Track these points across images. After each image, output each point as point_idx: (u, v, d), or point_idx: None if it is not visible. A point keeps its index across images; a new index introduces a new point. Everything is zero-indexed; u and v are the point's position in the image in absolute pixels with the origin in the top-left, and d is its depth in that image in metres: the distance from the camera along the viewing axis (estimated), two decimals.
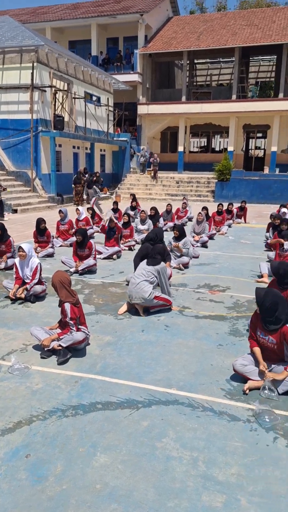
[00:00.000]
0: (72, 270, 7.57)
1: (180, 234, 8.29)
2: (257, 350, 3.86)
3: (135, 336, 4.92)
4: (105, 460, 2.84)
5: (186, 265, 8.26)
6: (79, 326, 4.39)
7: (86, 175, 20.72)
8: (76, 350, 4.40)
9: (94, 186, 18.39)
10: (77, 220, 11.18)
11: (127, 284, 6.02)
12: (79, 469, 2.76)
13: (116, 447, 2.98)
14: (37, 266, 6.03)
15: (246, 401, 3.59)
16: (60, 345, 4.23)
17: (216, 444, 3.03)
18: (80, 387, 3.76)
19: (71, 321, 4.30)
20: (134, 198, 15.03)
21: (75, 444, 3.00)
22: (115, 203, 13.44)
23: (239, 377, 3.88)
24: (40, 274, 6.12)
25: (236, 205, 15.76)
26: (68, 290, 4.36)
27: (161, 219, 12.50)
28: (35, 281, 6.02)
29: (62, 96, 20.03)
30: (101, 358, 4.32)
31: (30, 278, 6.02)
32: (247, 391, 3.67)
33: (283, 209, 12.04)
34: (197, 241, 10.39)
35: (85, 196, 19.19)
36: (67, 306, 4.30)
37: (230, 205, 14.27)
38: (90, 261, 7.67)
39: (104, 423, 3.25)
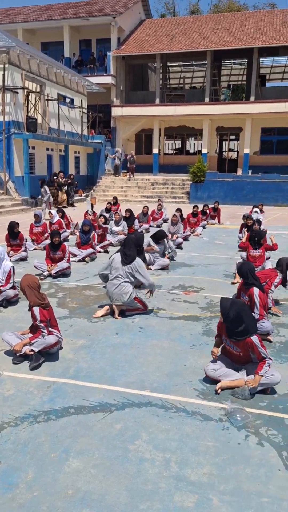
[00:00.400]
0: (45, 274, 7.49)
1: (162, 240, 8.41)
2: (217, 340, 4.07)
3: (109, 339, 4.90)
4: (77, 465, 2.82)
5: (166, 268, 8.33)
6: (50, 329, 4.34)
7: (58, 178, 20.53)
8: (49, 354, 4.36)
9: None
10: (50, 224, 11.08)
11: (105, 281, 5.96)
12: (51, 475, 2.73)
13: (89, 451, 2.96)
14: (10, 270, 5.94)
15: (218, 400, 3.62)
16: (32, 350, 4.18)
17: (188, 444, 3.04)
18: (53, 392, 3.72)
19: (41, 324, 4.25)
20: (116, 200, 15.13)
21: (47, 450, 2.96)
22: (91, 205, 13.38)
23: None
24: (13, 278, 6.03)
25: (209, 206, 15.94)
26: (36, 294, 4.31)
27: (136, 221, 12.53)
28: (10, 285, 5.92)
29: (35, 98, 19.82)
30: (75, 362, 4.29)
31: (4, 282, 5.91)
32: (219, 391, 3.71)
33: (256, 209, 12.25)
34: (173, 241, 10.48)
35: (48, 199, 18.24)
36: (36, 309, 4.25)
37: (205, 207, 14.42)
38: (63, 264, 7.60)
39: (76, 427, 3.22)
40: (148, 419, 3.34)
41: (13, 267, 6.06)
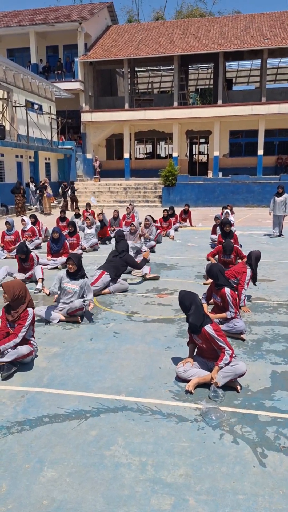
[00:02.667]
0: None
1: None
2: (190, 346, 4.15)
3: (84, 345, 4.86)
4: (52, 475, 2.78)
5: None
6: (30, 338, 4.32)
7: (31, 185, 20.53)
8: (22, 363, 4.28)
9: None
10: (23, 231, 10.93)
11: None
12: (25, 486, 2.68)
13: (64, 460, 2.92)
14: None
15: (193, 401, 3.64)
16: (3, 361, 4.09)
17: (164, 446, 3.05)
18: (26, 402, 3.65)
19: (27, 328, 4.23)
20: (89, 207, 15.08)
21: (21, 461, 2.91)
22: (63, 211, 13.27)
23: None
24: None
25: (179, 209, 16.06)
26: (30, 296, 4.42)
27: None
28: None
29: (2, 105, 19.55)
30: (48, 370, 4.23)
31: None
32: (191, 390, 3.73)
33: (226, 210, 12.42)
34: (146, 241, 10.58)
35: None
36: (31, 311, 4.30)
37: (170, 209, 14.19)
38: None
39: (51, 436, 3.18)
40: (123, 423, 3.33)
41: None
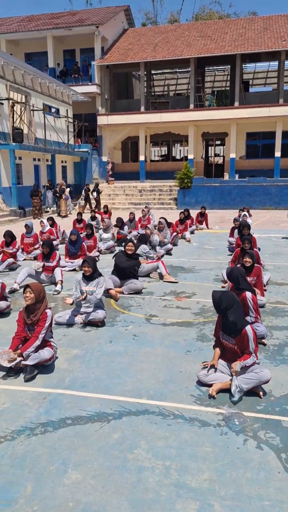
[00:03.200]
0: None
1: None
2: (216, 350, 4.04)
3: (103, 348, 4.88)
4: (76, 477, 2.79)
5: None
6: (50, 339, 4.35)
7: (42, 188, 20.84)
8: (44, 366, 4.32)
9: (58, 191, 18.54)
10: (41, 233, 11.04)
11: None
12: (50, 488, 2.70)
13: (87, 462, 2.93)
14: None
15: (215, 405, 3.62)
16: (25, 364, 4.13)
17: (187, 451, 3.04)
18: (49, 404, 3.68)
19: (46, 329, 4.28)
20: (107, 209, 15.14)
21: (45, 463, 2.93)
22: (79, 214, 13.36)
23: None
24: (4, 291, 5.96)
25: (197, 211, 16.00)
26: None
27: (125, 227, 12.59)
28: None
29: (20, 109, 19.80)
30: (69, 372, 4.26)
31: None
32: (214, 394, 3.71)
33: (244, 212, 12.34)
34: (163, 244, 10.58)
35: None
36: (50, 312, 4.36)
37: (185, 211, 14.12)
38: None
39: (74, 438, 3.19)
40: (146, 427, 3.33)
41: (2, 283, 5.93)
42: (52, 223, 12.00)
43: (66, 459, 2.96)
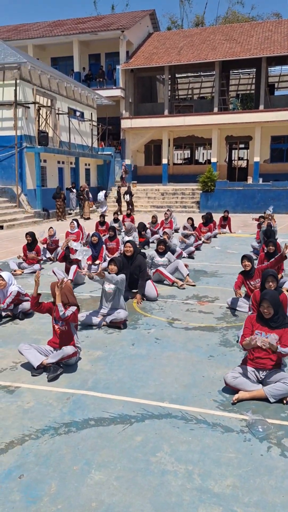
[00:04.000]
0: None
1: (165, 248, 8.32)
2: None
3: (126, 350, 4.91)
4: (99, 478, 2.82)
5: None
6: (75, 336, 4.48)
7: (74, 190, 21.15)
8: (67, 365, 4.38)
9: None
10: (69, 233, 11.16)
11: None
12: (74, 487, 2.73)
13: (111, 463, 2.96)
14: (11, 293, 5.80)
15: (238, 411, 3.60)
16: (49, 363, 4.20)
17: (210, 456, 3.03)
18: (72, 404, 3.73)
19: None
20: (130, 212, 15.25)
21: (69, 463, 2.97)
22: (102, 216, 13.49)
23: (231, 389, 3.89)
24: (24, 295, 6.03)
25: (219, 215, 15.91)
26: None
27: (148, 231, 12.64)
28: (4, 306, 5.78)
29: (46, 112, 20.13)
30: (92, 374, 4.30)
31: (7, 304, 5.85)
32: (236, 401, 3.68)
33: (269, 213, 12.13)
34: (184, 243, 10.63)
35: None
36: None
37: (208, 214, 14.02)
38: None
39: (97, 439, 3.23)
40: (168, 431, 3.33)
41: (19, 291, 5.92)
42: (77, 225, 12.13)
43: (89, 459, 3.00)
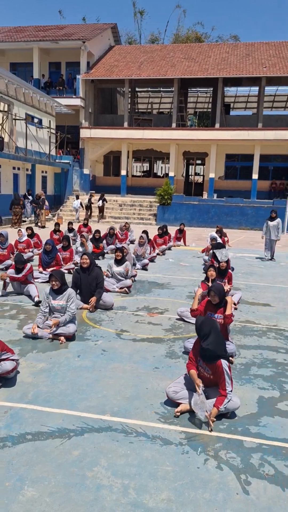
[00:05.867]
0: None
1: (122, 257, 8.35)
2: (193, 372, 3.83)
3: (71, 362, 4.82)
4: (32, 494, 2.73)
5: (129, 287, 8.29)
6: (4, 354, 4.22)
7: (30, 197, 20.84)
8: (6, 379, 4.23)
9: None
10: (18, 242, 10.91)
11: None
12: (4, 505, 2.62)
13: (45, 479, 2.87)
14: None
15: (179, 424, 3.61)
16: None
17: (147, 469, 3.01)
18: (10, 418, 3.60)
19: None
20: (87, 222, 15.10)
21: (1, 478, 2.85)
22: (57, 224, 13.30)
23: None
24: None
25: (175, 227, 16.17)
26: None
27: (104, 242, 12.63)
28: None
29: (2, 117, 19.73)
30: (34, 386, 4.18)
31: None
32: (178, 414, 3.70)
33: (212, 234, 12.37)
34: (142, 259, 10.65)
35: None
36: None
37: (164, 227, 14.26)
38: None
39: (33, 454, 3.13)
40: (107, 444, 3.29)
41: None
42: (32, 233, 11.90)
43: (23, 475, 2.89)
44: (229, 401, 3.65)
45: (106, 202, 23.79)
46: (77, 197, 23.64)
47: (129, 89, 28.62)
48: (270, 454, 3.25)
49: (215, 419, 3.61)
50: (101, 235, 12.63)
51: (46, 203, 20.87)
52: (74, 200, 23.79)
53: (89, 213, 22.99)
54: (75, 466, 3.01)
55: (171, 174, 27.29)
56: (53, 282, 5.66)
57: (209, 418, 3.53)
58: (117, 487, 2.82)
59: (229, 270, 7.87)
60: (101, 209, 23.36)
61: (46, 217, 21.61)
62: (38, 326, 5.53)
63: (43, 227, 19.72)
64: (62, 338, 5.44)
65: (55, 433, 3.41)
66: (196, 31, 43.77)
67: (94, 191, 26.71)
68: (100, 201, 23.27)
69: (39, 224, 20.01)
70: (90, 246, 11.41)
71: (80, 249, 11.10)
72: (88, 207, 23.17)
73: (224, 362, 3.72)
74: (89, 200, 23.51)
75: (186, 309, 6.50)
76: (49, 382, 4.29)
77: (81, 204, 23.09)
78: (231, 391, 3.70)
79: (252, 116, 30.40)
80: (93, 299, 6.81)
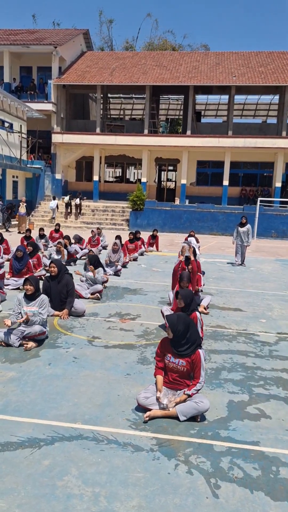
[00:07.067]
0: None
1: (95, 265, 8.38)
2: (159, 378, 3.98)
3: (41, 370, 4.76)
4: (0, 506, 2.67)
5: (100, 292, 8.27)
6: None
7: (1, 202, 20.56)
8: None
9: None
10: None
11: None
12: None
13: (14, 490, 2.82)
14: None
15: (150, 430, 3.63)
16: None
17: (118, 477, 3.01)
18: None
19: None
20: (58, 227, 14.95)
21: None
22: (28, 230, 13.12)
23: None
24: None
25: (148, 233, 16.27)
26: None
27: (73, 246, 12.55)
28: None
29: None
30: (3, 396, 4.11)
31: None
32: (147, 419, 3.73)
33: (190, 238, 12.64)
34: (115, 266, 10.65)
35: None
36: None
37: (137, 233, 14.37)
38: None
39: (1, 465, 3.07)
40: (78, 452, 3.27)
41: None
42: (1, 239, 11.68)
43: None
44: (202, 386, 3.88)
45: (84, 199, 25.92)
46: (54, 198, 24.88)
47: (101, 95, 28.69)
48: (239, 457, 3.31)
49: (175, 404, 3.79)
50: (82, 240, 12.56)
51: (22, 209, 20.56)
52: (50, 201, 25.10)
53: (69, 210, 24.96)
54: (45, 476, 2.98)
55: (144, 179, 27.44)
56: (28, 287, 5.60)
57: (173, 401, 3.77)
58: (88, 495, 2.81)
59: (199, 273, 7.99)
60: (78, 206, 24.95)
61: (16, 222, 21.33)
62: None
63: (19, 232, 19.42)
64: (27, 345, 5.37)
65: (24, 443, 3.36)
66: (165, 38, 44.37)
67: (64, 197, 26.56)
68: (78, 199, 25.05)
69: (9, 229, 19.70)
70: (66, 253, 11.33)
71: (56, 256, 10.98)
72: (68, 204, 24.90)
73: (201, 351, 3.95)
74: (70, 197, 25.20)
75: (167, 308, 6.55)
76: (19, 391, 4.23)
77: (57, 206, 24.29)
78: (202, 384, 3.92)
79: (223, 123, 31.01)
80: (64, 313, 6.74)
